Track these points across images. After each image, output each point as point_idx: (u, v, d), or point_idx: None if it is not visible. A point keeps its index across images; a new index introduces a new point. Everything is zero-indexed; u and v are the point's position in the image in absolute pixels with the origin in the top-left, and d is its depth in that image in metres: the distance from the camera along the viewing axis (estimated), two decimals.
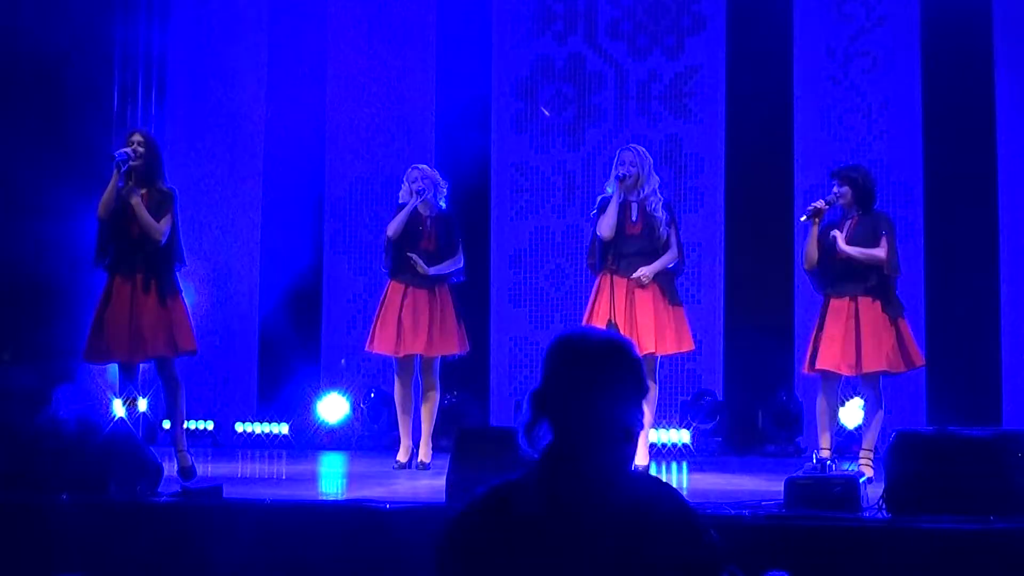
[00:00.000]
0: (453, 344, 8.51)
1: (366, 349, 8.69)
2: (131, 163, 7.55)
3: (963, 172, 10.09)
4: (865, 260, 7.73)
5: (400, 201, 8.62)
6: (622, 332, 7.90)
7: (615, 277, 7.99)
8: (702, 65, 10.87)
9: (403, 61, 11.48)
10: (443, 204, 8.62)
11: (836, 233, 7.78)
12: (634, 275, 7.97)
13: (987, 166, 10.10)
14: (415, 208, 8.44)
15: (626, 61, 11.05)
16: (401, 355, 8.43)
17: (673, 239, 8.15)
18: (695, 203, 10.74)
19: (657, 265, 8.02)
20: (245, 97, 11.61)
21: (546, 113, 11.16)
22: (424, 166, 8.78)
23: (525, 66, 11.25)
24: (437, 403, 8.57)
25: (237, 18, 11.63)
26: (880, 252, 7.70)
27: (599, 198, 8.26)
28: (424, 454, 8.46)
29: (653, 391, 8.10)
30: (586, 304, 8.21)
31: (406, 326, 8.34)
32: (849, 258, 7.71)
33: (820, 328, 7.83)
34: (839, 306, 7.77)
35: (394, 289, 8.49)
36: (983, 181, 10.09)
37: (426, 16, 11.40)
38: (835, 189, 7.97)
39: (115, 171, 7.47)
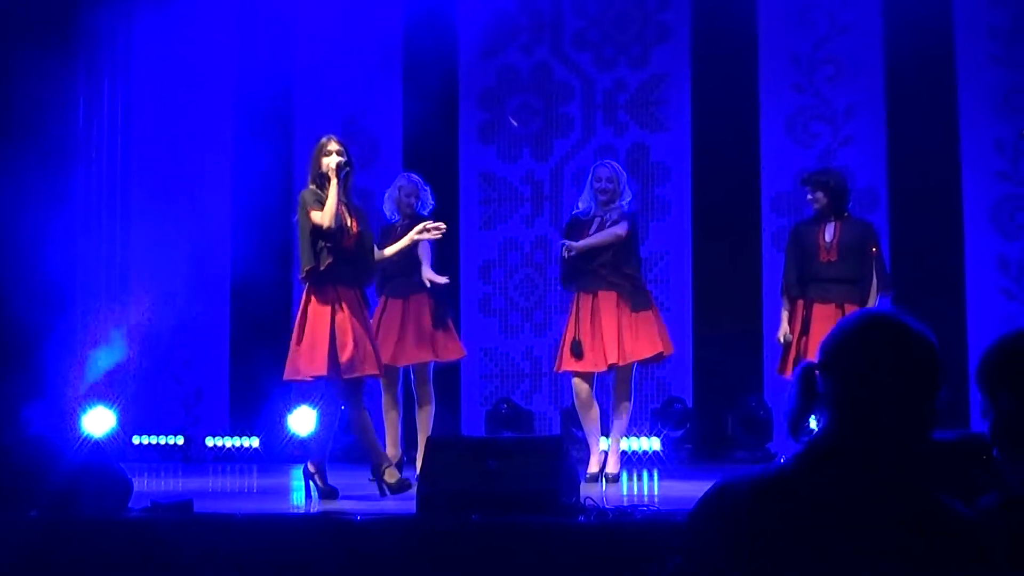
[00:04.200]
0: (427, 352, 8.42)
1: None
2: (348, 170, 7.24)
3: (928, 177, 10.17)
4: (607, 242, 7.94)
5: (384, 212, 8.56)
6: (586, 348, 8.01)
7: (581, 294, 8.16)
8: (668, 74, 10.92)
9: (369, 72, 11.48)
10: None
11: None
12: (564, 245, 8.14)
13: (951, 171, 10.17)
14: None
15: (592, 71, 11.09)
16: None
17: (624, 224, 8.22)
18: (662, 211, 10.79)
19: (589, 241, 8.10)
20: (212, 111, 11.59)
21: (514, 123, 11.19)
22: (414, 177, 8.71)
23: (491, 77, 11.29)
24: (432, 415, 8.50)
25: (204, 30, 11.58)
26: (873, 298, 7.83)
27: (573, 214, 8.32)
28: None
29: (628, 401, 8.17)
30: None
31: (379, 339, 8.10)
32: None
33: (804, 333, 7.89)
34: (824, 312, 7.83)
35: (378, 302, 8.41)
36: (948, 186, 10.16)
37: (392, 27, 11.41)
38: (808, 196, 8.04)
39: (336, 179, 7.11)
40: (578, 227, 8.25)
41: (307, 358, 7.13)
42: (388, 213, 8.54)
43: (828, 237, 7.95)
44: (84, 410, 10.82)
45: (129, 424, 11.24)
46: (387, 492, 7.06)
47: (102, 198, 11.48)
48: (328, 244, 7.13)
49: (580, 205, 8.27)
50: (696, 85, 10.81)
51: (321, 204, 7.12)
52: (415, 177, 8.63)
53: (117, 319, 10.77)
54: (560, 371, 8.36)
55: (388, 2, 11.41)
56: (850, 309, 7.61)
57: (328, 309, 7.14)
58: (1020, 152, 10.00)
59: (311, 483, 7.43)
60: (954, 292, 10.06)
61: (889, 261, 9.85)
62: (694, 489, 8.22)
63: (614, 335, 8.02)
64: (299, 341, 7.18)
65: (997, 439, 2.57)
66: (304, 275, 7.17)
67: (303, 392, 11.03)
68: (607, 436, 8.34)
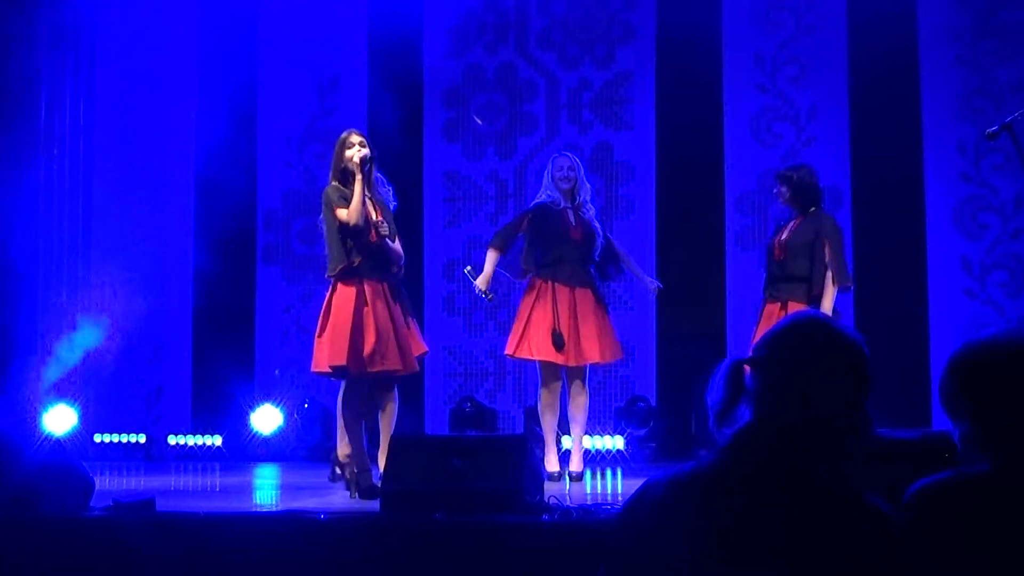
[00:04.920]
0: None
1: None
2: (369, 164, 7.17)
3: (891, 178, 10.22)
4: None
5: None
6: (566, 341, 7.95)
7: (556, 284, 8.06)
8: (632, 73, 10.93)
9: (334, 70, 11.48)
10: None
11: None
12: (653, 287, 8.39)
13: (914, 172, 10.23)
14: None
15: (557, 70, 11.10)
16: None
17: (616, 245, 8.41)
18: (626, 210, 10.80)
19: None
20: (175, 107, 11.53)
21: (478, 122, 11.18)
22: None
23: (456, 75, 11.28)
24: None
25: (166, 29, 11.55)
26: (828, 302, 7.74)
27: (537, 203, 8.27)
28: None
29: (585, 397, 8.15)
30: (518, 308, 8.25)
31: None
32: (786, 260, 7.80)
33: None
34: (771, 311, 7.82)
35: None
36: (911, 186, 10.21)
37: (357, 26, 11.40)
38: (775, 190, 8.04)
39: (361, 174, 7.06)
40: (552, 218, 8.16)
41: (328, 349, 7.03)
42: None
43: (783, 236, 7.95)
44: (45, 408, 10.77)
45: (91, 422, 11.18)
46: (356, 495, 6.98)
47: (64, 195, 11.41)
48: (356, 240, 7.05)
49: (543, 196, 8.23)
50: (660, 84, 10.83)
51: (346, 201, 7.03)
52: (378, 176, 8.55)
53: (78, 315, 10.71)
54: (530, 358, 8.15)
55: (353, 0, 11.39)
56: (793, 307, 7.55)
57: (352, 302, 7.03)
58: (982, 153, 10.05)
59: (337, 470, 7.52)
60: (917, 292, 10.11)
61: (852, 261, 9.88)
62: None
63: (594, 333, 8.02)
64: (321, 333, 7.10)
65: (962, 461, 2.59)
66: (335, 273, 7.08)
67: (268, 391, 11.05)
68: (564, 434, 8.33)
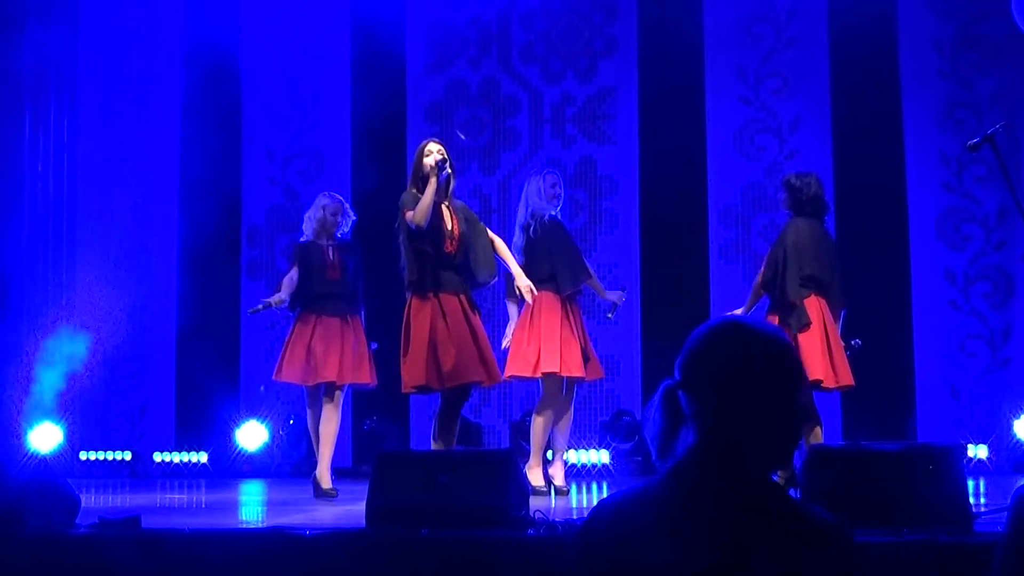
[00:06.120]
0: (364, 374, 8.16)
1: (273, 378, 8.31)
2: (447, 173, 7.13)
3: (873, 189, 10.24)
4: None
5: (304, 234, 8.35)
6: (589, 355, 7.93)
7: (568, 298, 7.96)
8: (615, 87, 10.95)
9: (318, 85, 11.48)
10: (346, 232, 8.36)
11: None
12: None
13: (897, 183, 10.25)
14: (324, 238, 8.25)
15: (540, 84, 11.12)
16: (311, 383, 8.14)
17: None
18: (610, 224, 10.81)
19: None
20: (159, 123, 11.51)
21: (462, 137, 11.18)
22: (337, 196, 8.58)
23: (439, 90, 11.28)
24: (336, 430, 8.14)
25: (151, 43, 11.53)
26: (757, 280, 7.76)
27: (557, 217, 8.11)
28: (327, 479, 8.08)
29: (571, 412, 8.12)
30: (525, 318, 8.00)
31: (317, 354, 8.02)
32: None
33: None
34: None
35: (303, 319, 8.16)
36: (893, 198, 10.24)
37: (340, 41, 11.40)
38: (780, 195, 7.95)
39: (435, 177, 7.00)
40: (564, 231, 8.10)
41: (409, 370, 7.00)
42: (308, 232, 8.33)
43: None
44: (30, 426, 10.74)
45: (76, 440, 11.15)
46: None
47: (48, 210, 11.37)
48: (427, 248, 7.00)
49: (547, 211, 8.04)
50: (643, 98, 10.84)
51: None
52: (337, 197, 8.49)
53: (63, 332, 10.68)
54: (573, 376, 7.95)
55: (336, 16, 11.40)
56: (770, 319, 7.44)
57: (428, 318, 6.98)
58: (964, 164, 10.08)
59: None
60: (901, 303, 10.13)
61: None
62: None
63: (589, 345, 8.02)
64: (404, 353, 7.05)
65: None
66: (408, 286, 7.06)
67: (253, 407, 11.02)
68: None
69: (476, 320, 7.18)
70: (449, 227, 7.12)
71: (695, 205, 10.58)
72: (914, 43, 10.31)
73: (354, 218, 8.36)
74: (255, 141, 11.51)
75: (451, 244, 7.10)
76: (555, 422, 8.00)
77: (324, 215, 8.29)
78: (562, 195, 8.20)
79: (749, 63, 10.70)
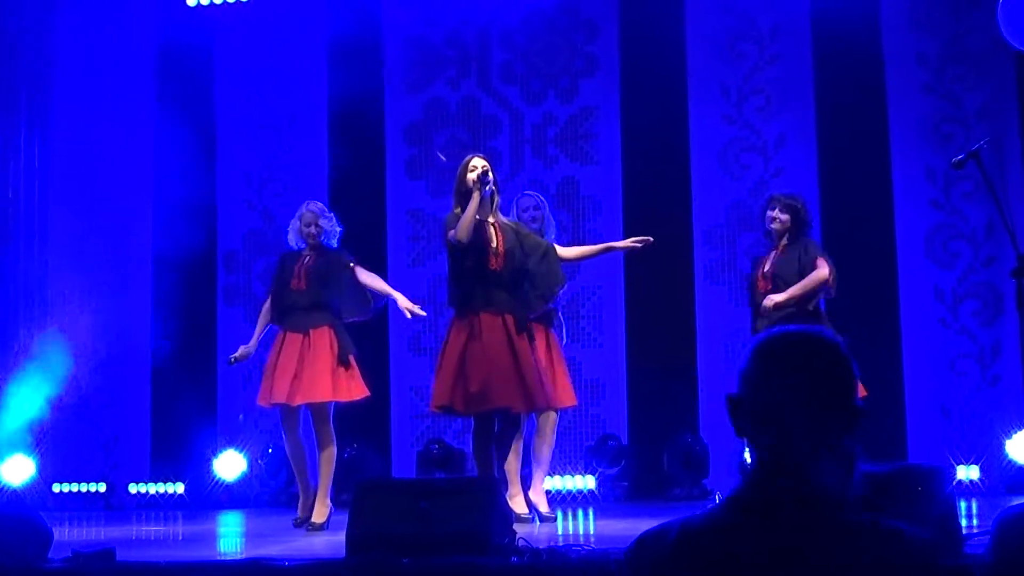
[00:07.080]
0: (320, 391, 7.69)
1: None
2: (491, 188, 7.06)
3: (860, 207, 10.12)
4: (809, 289, 7.65)
5: (290, 243, 8.22)
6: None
7: (537, 323, 7.72)
8: (597, 107, 10.83)
9: (294, 107, 11.35)
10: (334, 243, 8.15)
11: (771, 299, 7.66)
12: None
13: (884, 200, 10.15)
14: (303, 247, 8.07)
15: (520, 104, 10.99)
16: (268, 405, 7.90)
17: None
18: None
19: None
20: (133, 147, 11.37)
21: (442, 158, 11.05)
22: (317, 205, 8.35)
23: (418, 111, 11.15)
24: (333, 458, 7.86)
25: (124, 64, 11.41)
26: (823, 271, 7.67)
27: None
28: (317, 514, 7.80)
29: (552, 439, 7.92)
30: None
31: (276, 375, 7.73)
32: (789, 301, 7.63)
33: None
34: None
35: (276, 337, 7.94)
36: (879, 215, 10.14)
37: (317, 62, 11.29)
38: (771, 213, 7.84)
39: (478, 192, 6.93)
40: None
41: (436, 388, 6.95)
42: (293, 243, 8.14)
43: (766, 268, 7.83)
44: (2, 458, 10.57)
45: (49, 471, 10.98)
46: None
47: (19, 237, 11.23)
48: (469, 263, 6.92)
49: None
50: (625, 117, 10.72)
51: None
52: (317, 206, 8.28)
53: (35, 360, 10.50)
54: (570, 407, 8.06)
55: (312, 36, 11.29)
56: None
57: (463, 338, 6.89)
58: (951, 180, 9.97)
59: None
60: (889, 322, 10.02)
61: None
62: (630, 528, 8.06)
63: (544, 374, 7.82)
64: (436, 370, 7.03)
65: None
66: (451, 304, 7.05)
67: (230, 436, 10.85)
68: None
69: (522, 343, 6.99)
70: (494, 244, 7.03)
71: (680, 225, 10.44)
72: (899, 58, 10.23)
73: (340, 229, 8.16)
74: (231, 162, 11.36)
75: (496, 260, 6.99)
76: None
77: (300, 224, 8.11)
78: (541, 217, 8.04)
79: (732, 81, 10.59)
